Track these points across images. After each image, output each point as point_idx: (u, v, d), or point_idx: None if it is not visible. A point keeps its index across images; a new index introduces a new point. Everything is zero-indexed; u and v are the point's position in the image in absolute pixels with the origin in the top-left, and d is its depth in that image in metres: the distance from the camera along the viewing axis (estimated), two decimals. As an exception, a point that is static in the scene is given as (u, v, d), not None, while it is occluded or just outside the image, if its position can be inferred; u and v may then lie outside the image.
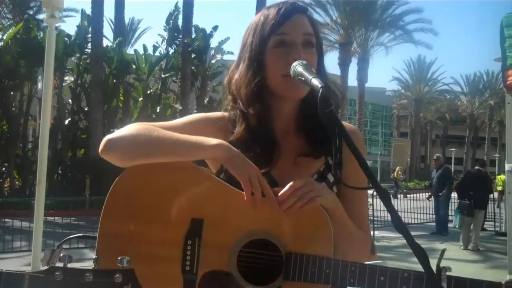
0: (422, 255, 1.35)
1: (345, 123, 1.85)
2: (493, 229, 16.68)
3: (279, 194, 1.56)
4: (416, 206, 19.65)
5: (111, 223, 1.62)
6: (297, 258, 1.55)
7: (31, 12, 30.16)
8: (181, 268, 1.57)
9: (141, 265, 1.56)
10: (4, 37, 22.47)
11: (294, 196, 1.55)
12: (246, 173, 1.55)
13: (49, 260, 1.59)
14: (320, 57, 1.78)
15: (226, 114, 1.80)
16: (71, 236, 1.96)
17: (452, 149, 55.27)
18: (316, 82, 1.46)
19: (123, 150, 1.62)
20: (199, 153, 1.60)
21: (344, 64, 42.15)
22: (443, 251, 1.46)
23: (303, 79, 1.52)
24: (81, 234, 1.84)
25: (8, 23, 30.09)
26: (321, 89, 1.42)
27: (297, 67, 1.56)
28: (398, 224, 1.38)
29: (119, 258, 1.26)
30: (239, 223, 1.58)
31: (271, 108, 1.76)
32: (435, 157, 16.96)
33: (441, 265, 1.47)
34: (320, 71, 1.73)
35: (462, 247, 13.28)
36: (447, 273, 1.44)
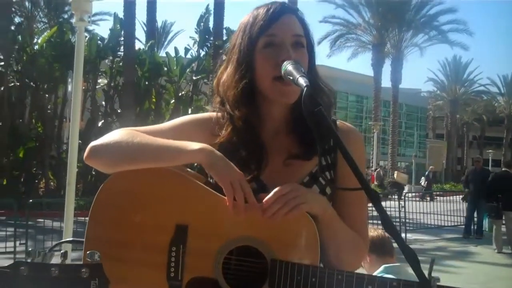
0: (413, 260, 1.30)
1: (343, 122, 1.83)
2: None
3: (263, 200, 1.52)
4: (449, 209, 19.32)
5: (96, 228, 1.63)
6: (282, 266, 1.52)
7: (65, 16, 30.71)
8: (166, 274, 1.56)
9: (126, 271, 1.57)
10: (39, 41, 22.90)
11: (278, 203, 1.51)
12: (227, 178, 1.51)
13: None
14: (311, 58, 1.74)
15: (213, 114, 1.78)
16: (62, 241, 1.98)
17: (490, 151, 54.24)
18: (302, 81, 1.44)
19: (106, 157, 1.63)
20: (181, 158, 1.58)
21: (377, 65, 41.95)
22: (433, 260, 1.40)
23: (291, 78, 1.50)
24: (71, 239, 1.86)
25: (43, 26, 30.73)
26: (305, 88, 1.39)
27: (288, 65, 1.54)
28: (388, 226, 1.33)
29: (88, 252, 1.25)
30: (224, 229, 1.56)
31: (261, 109, 1.72)
32: (477, 159, 16.62)
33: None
34: (311, 72, 1.70)
35: (496, 251, 13.00)
36: (438, 284, 1.37)
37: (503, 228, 13.39)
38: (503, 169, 14.78)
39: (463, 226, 16.04)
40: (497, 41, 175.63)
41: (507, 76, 70.49)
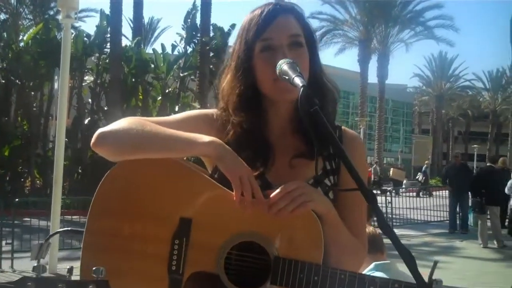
0: (410, 261, 1.31)
1: (347, 129, 1.83)
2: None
3: (270, 196, 1.52)
4: (436, 204, 19.48)
5: (98, 218, 1.61)
6: (285, 263, 1.52)
7: (51, 13, 30.42)
8: (167, 267, 1.55)
9: (127, 262, 1.57)
10: (25, 38, 22.69)
11: (285, 199, 1.51)
12: (236, 172, 1.51)
13: (38, 254, 1.59)
14: (313, 54, 1.73)
15: (219, 113, 1.78)
16: (58, 230, 1.97)
17: (475, 145, 54.61)
18: (298, 81, 1.43)
19: (114, 144, 1.60)
20: (191, 150, 1.58)
21: (364, 61, 42.03)
22: (435, 263, 1.41)
23: (287, 77, 1.49)
24: (69, 228, 1.84)
25: (29, 23, 30.45)
26: (302, 89, 1.39)
27: (283, 65, 1.53)
28: (384, 227, 1.35)
29: (94, 269, 1.25)
30: (228, 224, 1.55)
31: (267, 111, 1.73)
32: (455, 154, 16.88)
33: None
34: (314, 68, 1.71)
35: (481, 245, 13.11)
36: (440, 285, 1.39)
37: (488, 223, 13.53)
38: (487, 164, 14.94)
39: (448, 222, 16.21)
40: (482, 37, 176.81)
41: (492, 72, 70.99)
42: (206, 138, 1.57)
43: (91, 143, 1.61)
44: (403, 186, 28.20)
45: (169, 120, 1.73)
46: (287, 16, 1.70)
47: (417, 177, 36.37)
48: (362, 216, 1.79)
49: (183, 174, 1.60)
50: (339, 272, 1.49)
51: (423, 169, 34.69)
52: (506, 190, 11.88)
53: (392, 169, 33.47)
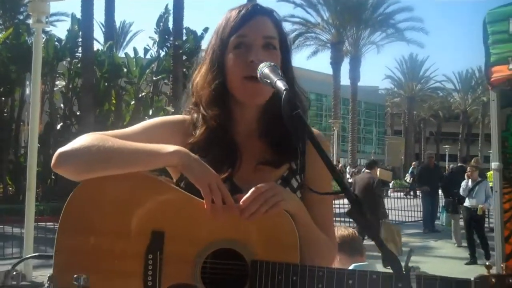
0: (396, 264, 1.33)
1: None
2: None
3: (241, 200, 1.51)
4: (410, 204, 19.69)
5: (67, 237, 1.57)
6: (262, 266, 1.51)
7: (21, 17, 30.00)
8: (142, 283, 1.52)
9: (100, 282, 1.51)
10: (-6, 43, 22.33)
11: (257, 201, 1.50)
12: (205, 180, 1.50)
13: (4, 281, 1.55)
14: (286, 59, 1.74)
15: (187, 117, 1.77)
16: (26, 257, 1.94)
17: (446, 146, 55.35)
18: (280, 84, 1.43)
19: (77, 164, 1.55)
20: (156, 162, 1.54)
21: (336, 64, 42.28)
22: (410, 252, 1.44)
23: (268, 81, 1.49)
24: (37, 254, 1.81)
25: (-2, 28, 29.99)
26: (285, 92, 1.38)
27: (264, 68, 1.52)
28: (369, 230, 1.37)
29: (75, 276, 1.23)
30: (202, 233, 1.53)
31: (234, 111, 1.72)
32: (429, 155, 17.05)
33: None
34: (286, 74, 1.69)
35: (456, 245, 13.28)
36: (417, 272, 1.42)
37: (461, 222, 13.69)
38: (459, 164, 15.14)
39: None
40: (452, 38, 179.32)
41: (462, 73, 72.11)
42: (170, 148, 1.54)
43: (52, 165, 1.57)
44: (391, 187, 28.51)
45: (129, 132, 1.69)
46: (265, 17, 1.71)
47: (405, 178, 36.74)
48: (329, 212, 1.80)
49: (150, 186, 1.57)
50: (317, 269, 1.48)
51: (410, 170, 35.07)
52: (461, 192, 11.99)
53: (379, 169, 33.68)
